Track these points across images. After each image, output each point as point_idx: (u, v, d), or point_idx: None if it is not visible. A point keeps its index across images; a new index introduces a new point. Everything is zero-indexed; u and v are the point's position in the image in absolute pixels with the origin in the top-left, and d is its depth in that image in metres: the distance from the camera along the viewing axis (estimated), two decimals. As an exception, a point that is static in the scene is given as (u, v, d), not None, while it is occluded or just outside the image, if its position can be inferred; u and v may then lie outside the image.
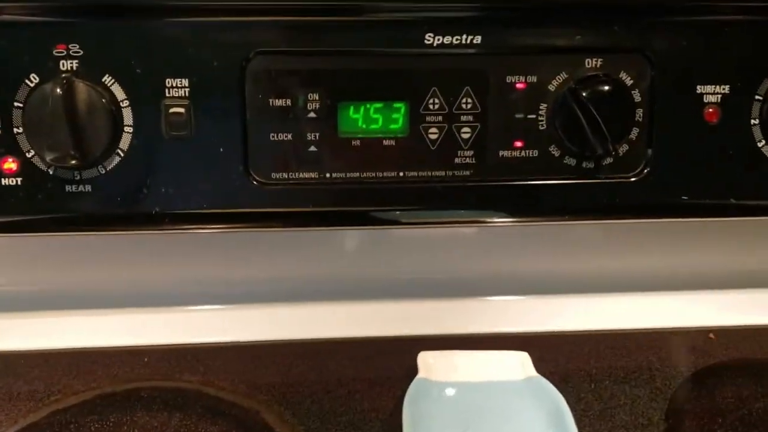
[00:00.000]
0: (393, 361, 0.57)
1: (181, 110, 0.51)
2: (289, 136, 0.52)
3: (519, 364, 0.54)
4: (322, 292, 0.62)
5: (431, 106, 0.52)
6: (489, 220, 0.56)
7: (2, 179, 0.51)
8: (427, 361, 0.54)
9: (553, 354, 0.57)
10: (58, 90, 0.48)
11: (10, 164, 0.51)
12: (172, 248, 0.62)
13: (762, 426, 0.51)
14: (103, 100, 0.50)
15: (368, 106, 0.53)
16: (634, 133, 0.53)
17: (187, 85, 0.51)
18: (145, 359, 0.57)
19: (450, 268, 0.65)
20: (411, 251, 0.65)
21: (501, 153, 0.53)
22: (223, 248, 0.63)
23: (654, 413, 0.53)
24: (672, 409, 0.53)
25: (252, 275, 0.64)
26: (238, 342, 0.59)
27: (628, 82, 0.52)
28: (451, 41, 0.51)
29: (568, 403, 0.50)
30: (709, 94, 0.53)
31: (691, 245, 0.65)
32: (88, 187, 0.52)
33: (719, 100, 0.53)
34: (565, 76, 0.52)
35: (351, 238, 0.65)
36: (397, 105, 0.53)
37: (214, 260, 0.63)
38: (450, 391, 0.53)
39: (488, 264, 0.65)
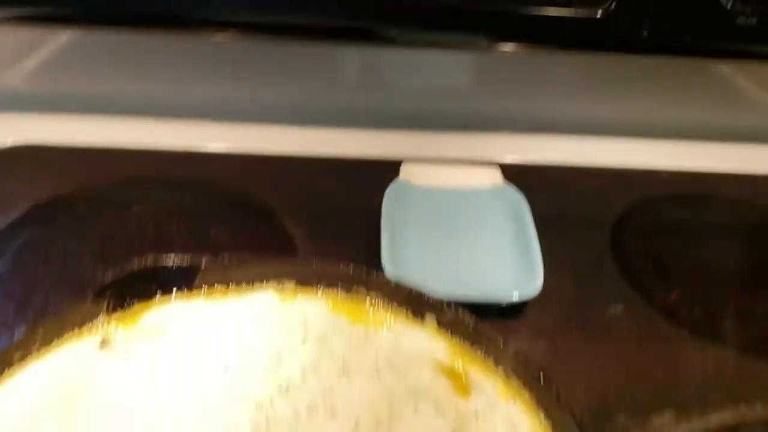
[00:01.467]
0: (378, 176, 0.63)
1: None
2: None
3: (490, 177, 0.62)
4: (321, 115, 0.68)
5: None
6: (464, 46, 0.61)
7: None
8: (409, 168, 0.62)
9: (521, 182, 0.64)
10: None
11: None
12: (182, 61, 0.68)
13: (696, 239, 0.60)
14: None
15: None
16: (605, -32, 0.57)
17: None
18: (157, 160, 0.64)
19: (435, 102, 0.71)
20: (396, 82, 0.71)
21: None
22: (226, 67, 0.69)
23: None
24: (617, 223, 0.61)
25: (256, 95, 0.70)
26: (240, 153, 0.66)
27: None
28: None
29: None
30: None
31: (653, 93, 0.71)
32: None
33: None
34: None
35: (349, 63, 0.70)
36: None
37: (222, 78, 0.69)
38: (426, 192, 0.60)
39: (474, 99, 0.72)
